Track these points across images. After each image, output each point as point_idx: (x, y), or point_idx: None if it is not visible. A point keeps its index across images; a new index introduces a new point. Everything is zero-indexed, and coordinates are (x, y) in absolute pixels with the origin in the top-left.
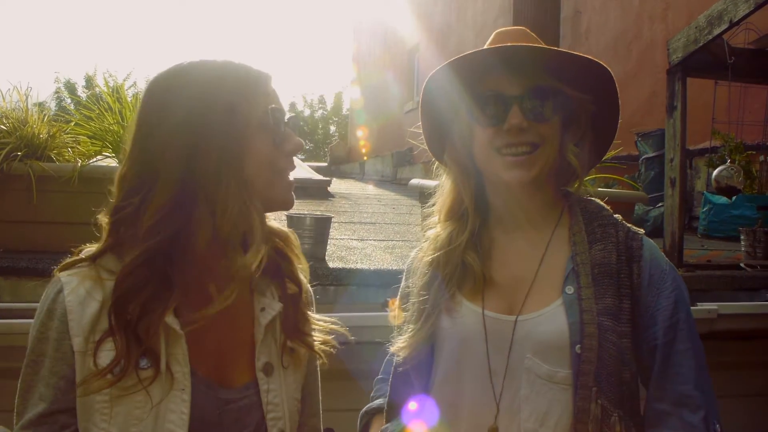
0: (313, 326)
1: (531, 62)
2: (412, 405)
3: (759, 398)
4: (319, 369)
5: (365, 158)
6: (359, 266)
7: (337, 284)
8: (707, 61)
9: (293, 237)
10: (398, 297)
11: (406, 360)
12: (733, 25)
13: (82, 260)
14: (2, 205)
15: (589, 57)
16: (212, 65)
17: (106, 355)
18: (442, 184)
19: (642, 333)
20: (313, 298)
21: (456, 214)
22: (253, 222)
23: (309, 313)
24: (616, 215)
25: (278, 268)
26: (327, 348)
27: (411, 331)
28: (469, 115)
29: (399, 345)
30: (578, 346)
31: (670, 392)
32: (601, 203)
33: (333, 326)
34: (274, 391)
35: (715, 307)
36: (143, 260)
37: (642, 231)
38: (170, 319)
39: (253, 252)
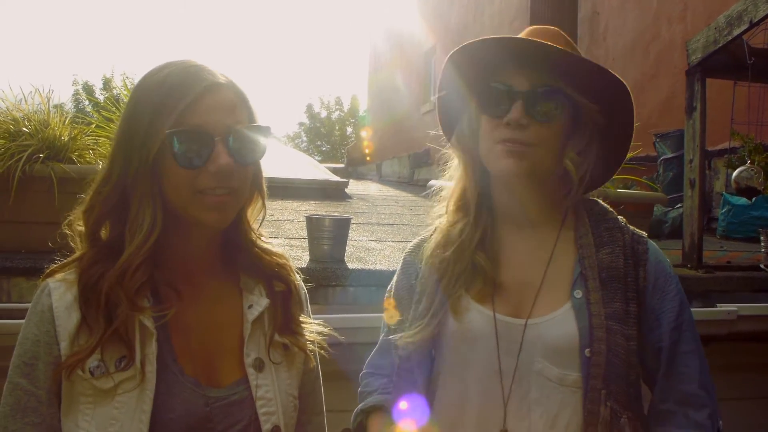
0: (304, 326)
1: (545, 62)
2: (402, 404)
3: None
4: (319, 368)
5: (368, 159)
6: (378, 267)
7: (356, 285)
8: (727, 61)
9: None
10: (394, 291)
11: (411, 356)
12: (753, 25)
13: (69, 264)
14: (25, 207)
15: (605, 67)
16: (155, 77)
17: (93, 358)
18: (453, 172)
19: (647, 335)
20: (307, 301)
21: (465, 204)
22: (142, 226)
23: (300, 315)
24: (619, 217)
25: (262, 269)
26: (317, 349)
27: (417, 327)
28: (477, 103)
29: (405, 339)
30: (587, 349)
31: (675, 392)
32: (605, 204)
33: (321, 328)
34: (265, 386)
35: (735, 309)
36: (105, 253)
37: (645, 234)
38: (144, 318)
39: (125, 253)
